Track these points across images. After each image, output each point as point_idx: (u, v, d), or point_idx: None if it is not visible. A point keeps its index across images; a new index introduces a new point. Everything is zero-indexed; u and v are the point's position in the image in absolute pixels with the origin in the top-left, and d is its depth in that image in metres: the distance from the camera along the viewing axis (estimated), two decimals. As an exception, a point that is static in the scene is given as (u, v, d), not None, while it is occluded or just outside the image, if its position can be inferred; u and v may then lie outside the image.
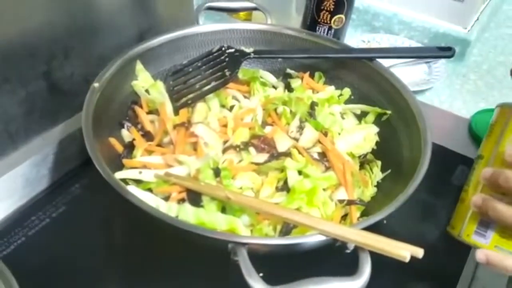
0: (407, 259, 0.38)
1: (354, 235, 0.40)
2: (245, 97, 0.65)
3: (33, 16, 0.53)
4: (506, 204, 0.42)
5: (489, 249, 0.44)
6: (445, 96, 0.81)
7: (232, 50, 0.63)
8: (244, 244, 0.39)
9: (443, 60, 0.86)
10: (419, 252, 0.38)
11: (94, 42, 0.61)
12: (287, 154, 0.55)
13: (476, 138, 0.71)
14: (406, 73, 0.83)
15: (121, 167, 0.54)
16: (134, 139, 0.56)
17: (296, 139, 0.58)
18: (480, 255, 0.43)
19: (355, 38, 0.91)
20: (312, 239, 0.41)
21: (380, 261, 0.39)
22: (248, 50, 0.64)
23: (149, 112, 0.60)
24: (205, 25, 0.67)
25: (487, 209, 0.43)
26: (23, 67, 0.53)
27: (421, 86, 0.80)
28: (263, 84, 0.67)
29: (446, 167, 0.66)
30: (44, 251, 0.51)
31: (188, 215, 0.46)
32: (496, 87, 0.84)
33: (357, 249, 0.40)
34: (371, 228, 0.42)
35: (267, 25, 0.69)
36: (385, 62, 0.65)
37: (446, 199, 0.49)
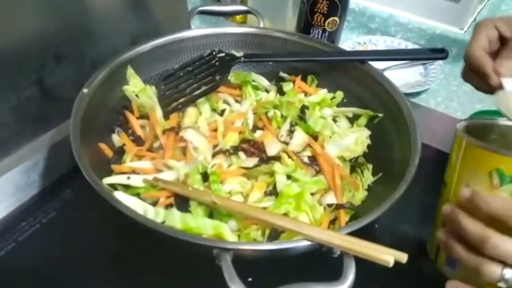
0: (391, 264, 0.38)
1: (339, 240, 0.40)
2: (236, 101, 0.65)
3: (25, 23, 0.53)
4: (464, 247, 0.39)
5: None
6: (441, 97, 0.81)
7: (223, 54, 0.63)
8: (228, 249, 0.39)
9: (439, 62, 0.84)
10: (403, 257, 0.38)
11: (86, 48, 0.62)
12: (277, 158, 0.55)
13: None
14: (402, 75, 0.82)
15: (111, 172, 0.54)
16: (124, 144, 0.56)
17: (286, 143, 0.58)
18: (449, 286, 0.40)
19: (351, 40, 0.90)
20: (296, 244, 0.41)
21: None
22: (239, 54, 0.64)
23: (141, 117, 0.60)
24: (196, 30, 0.67)
25: (448, 248, 0.41)
26: (15, 74, 0.54)
27: (417, 88, 0.79)
28: (255, 87, 0.67)
29: (442, 168, 0.65)
30: (34, 256, 0.51)
31: (175, 220, 0.46)
32: (493, 88, 0.83)
33: (342, 254, 0.40)
34: (363, 232, 0.42)
35: (258, 28, 0.69)
36: (381, 65, 0.64)
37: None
